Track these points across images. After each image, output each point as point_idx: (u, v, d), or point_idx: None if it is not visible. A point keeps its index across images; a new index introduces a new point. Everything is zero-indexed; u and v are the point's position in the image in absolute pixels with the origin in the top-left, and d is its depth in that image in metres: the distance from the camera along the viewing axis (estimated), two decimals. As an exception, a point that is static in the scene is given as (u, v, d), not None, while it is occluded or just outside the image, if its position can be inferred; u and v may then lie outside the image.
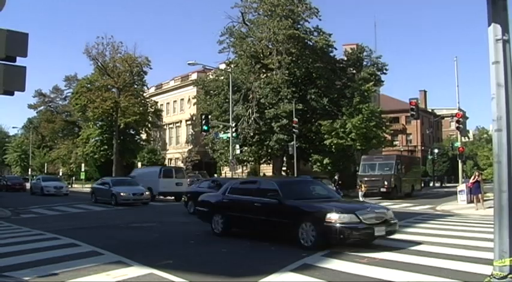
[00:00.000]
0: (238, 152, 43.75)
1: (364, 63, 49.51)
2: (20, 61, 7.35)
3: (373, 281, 8.17)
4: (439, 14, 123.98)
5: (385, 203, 24.56)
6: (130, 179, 33.52)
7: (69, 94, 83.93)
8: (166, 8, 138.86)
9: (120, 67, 60.30)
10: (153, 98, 72.45)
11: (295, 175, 39.56)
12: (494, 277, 5.80)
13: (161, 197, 34.66)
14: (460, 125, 32.35)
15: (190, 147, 68.12)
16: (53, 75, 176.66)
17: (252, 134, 44.03)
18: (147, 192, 30.32)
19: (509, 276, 5.64)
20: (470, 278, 8.08)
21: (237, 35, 47.29)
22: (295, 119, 39.96)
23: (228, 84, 41.06)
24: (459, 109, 32.50)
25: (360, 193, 31.68)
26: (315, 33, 47.21)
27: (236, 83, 43.97)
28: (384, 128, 47.15)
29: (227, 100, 42.35)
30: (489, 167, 67.92)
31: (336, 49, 48.49)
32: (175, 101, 76.90)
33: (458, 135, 36.84)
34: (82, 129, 74.57)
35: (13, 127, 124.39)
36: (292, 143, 40.57)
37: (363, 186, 32.08)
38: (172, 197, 34.03)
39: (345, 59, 50.15)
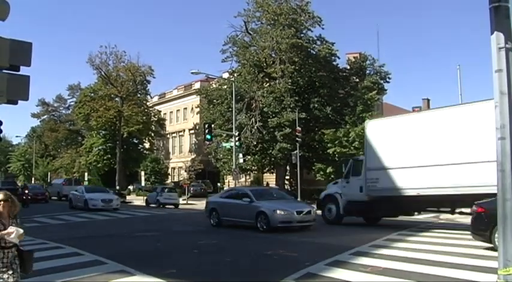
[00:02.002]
0: (241, 160, 43.69)
1: (367, 71, 49.49)
2: (23, 70, 7.37)
3: (377, 290, 8.13)
4: (442, 22, 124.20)
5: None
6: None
7: (72, 103, 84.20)
8: (169, 17, 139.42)
9: (124, 76, 60.46)
10: (156, 107, 72.55)
11: (299, 184, 39.56)
12: (498, 286, 5.77)
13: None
14: (464, 134, 32.22)
15: (193, 156, 68.07)
16: (56, 85, 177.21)
17: (255, 142, 43.99)
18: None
19: (514, 285, 5.61)
20: (475, 287, 8.05)
21: (240, 44, 47.38)
22: (298, 128, 39.92)
23: (231, 93, 41.08)
24: (462, 117, 32.35)
25: None
26: (318, 42, 47.25)
27: (239, 92, 44.00)
28: (387, 136, 46.93)
29: (230, 109, 42.34)
30: None
31: (339, 58, 48.52)
32: (178, 110, 76.95)
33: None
34: (85, 138, 74.71)
35: (16, 136, 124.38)
36: (295, 151, 40.51)
37: None
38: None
39: (348, 67, 50.14)
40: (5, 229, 5.46)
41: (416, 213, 21.57)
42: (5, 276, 5.56)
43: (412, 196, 18.31)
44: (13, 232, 5.41)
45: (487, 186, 13.15)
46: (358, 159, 22.84)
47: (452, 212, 18.75)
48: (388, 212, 20.62)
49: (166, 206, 37.82)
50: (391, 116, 24.86)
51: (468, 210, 15.34)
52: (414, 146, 18.29)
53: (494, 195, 11.38)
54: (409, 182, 17.79)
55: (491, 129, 8.33)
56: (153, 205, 38.12)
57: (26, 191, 39.37)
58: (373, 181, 19.87)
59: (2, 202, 5.59)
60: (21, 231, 5.52)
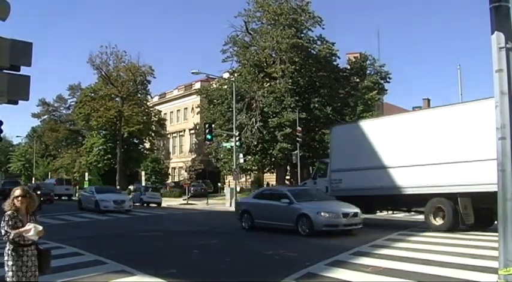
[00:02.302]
0: (241, 160, 43.69)
1: (368, 71, 49.52)
2: (24, 70, 7.38)
3: (377, 290, 8.13)
4: (442, 22, 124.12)
5: (390, 212, 24.48)
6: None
7: (72, 103, 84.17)
8: (169, 17, 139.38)
9: (124, 76, 60.46)
10: (157, 107, 72.57)
11: (299, 184, 39.59)
12: (499, 286, 5.77)
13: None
14: (464, 134, 32.22)
15: (193, 156, 68.06)
16: (56, 84, 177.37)
17: (255, 142, 43.99)
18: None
19: (515, 285, 5.60)
20: (475, 287, 8.04)
21: (240, 44, 47.39)
22: (298, 128, 39.92)
23: (232, 93, 41.08)
24: (463, 117, 32.38)
25: None
26: (318, 42, 47.25)
27: (240, 92, 44.00)
28: (387, 136, 46.97)
29: (231, 109, 42.35)
30: None
31: (339, 58, 48.53)
32: (178, 110, 76.96)
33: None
34: (86, 138, 74.69)
35: (17, 136, 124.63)
36: (295, 151, 40.52)
37: None
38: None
39: (349, 67, 50.14)
40: (23, 226, 5.35)
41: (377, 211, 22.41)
42: (29, 274, 5.46)
43: (370, 196, 19.61)
44: (32, 229, 5.29)
45: (439, 187, 16.39)
46: (324, 161, 24.68)
47: (409, 211, 21.09)
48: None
49: (150, 205, 39.10)
50: (351, 122, 29.42)
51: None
52: (370, 150, 19.69)
53: (444, 194, 13.77)
54: (367, 182, 18.93)
55: (443, 133, 11.49)
56: (137, 203, 38.32)
57: (39, 192, 34.77)
58: (337, 182, 21.31)
59: (20, 198, 5.46)
60: (40, 228, 5.38)
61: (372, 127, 21.18)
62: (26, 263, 5.44)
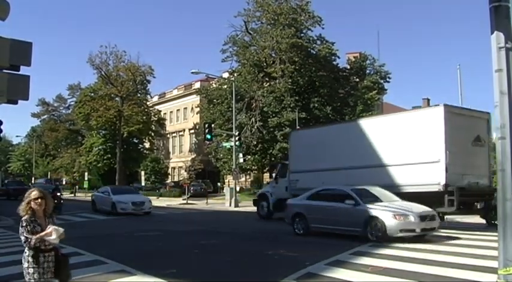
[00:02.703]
0: (241, 160, 43.70)
1: (367, 71, 49.56)
2: (23, 70, 7.38)
3: (377, 290, 8.12)
4: (442, 22, 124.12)
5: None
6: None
7: (72, 103, 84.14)
8: (169, 16, 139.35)
9: (124, 76, 60.43)
10: (157, 107, 72.56)
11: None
12: (499, 286, 5.77)
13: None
14: (464, 133, 32.27)
15: (193, 156, 68.07)
16: (56, 84, 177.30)
17: (255, 142, 44.01)
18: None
19: (514, 285, 5.61)
20: (475, 287, 8.04)
21: (240, 43, 47.41)
22: (298, 128, 39.93)
23: (232, 93, 41.09)
24: (462, 117, 32.42)
25: None
26: (318, 42, 47.28)
27: (239, 91, 44.02)
28: (387, 136, 47.03)
29: (230, 109, 42.36)
30: (493, 174, 67.69)
31: (339, 58, 48.58)
32: (178, 110, 76.97)
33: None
34: (85, 138, 74.72)
35: (17, 136, 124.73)
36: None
37: None
38: None
39: (348, 67, 50.18)
40: (42, 230, 5.12)
41: None
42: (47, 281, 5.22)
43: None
44: (53, 232, 5.10)
45: (427, 185, 17.10)
46: (285, 163, 25.92)
47: None
48: None
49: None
50: (306, 128, 32.80)
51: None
52: (322, 154, 21.79)
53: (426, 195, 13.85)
54: (317, 182, 19.63)
55: (384, 138, 16.45)
56: None
57: (59, 194, 30.86)
58: (294, 182, 23.26)
59: (39, 199, 5.21)
60: (62, 230, 5.21)
61: (322, 133, 23.90)
62: (47, 269, 5.27)
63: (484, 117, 19.04)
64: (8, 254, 12.22)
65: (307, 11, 45.88)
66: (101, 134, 67.22)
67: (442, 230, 16.37)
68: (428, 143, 17.26)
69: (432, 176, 16.86)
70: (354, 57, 51.14)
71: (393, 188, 17.19)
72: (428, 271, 9.41)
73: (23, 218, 5.15)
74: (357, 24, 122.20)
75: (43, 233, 5.06)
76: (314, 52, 46.73)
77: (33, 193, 5.27)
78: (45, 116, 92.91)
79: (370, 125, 20.65)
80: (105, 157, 65.46)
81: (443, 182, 16.57)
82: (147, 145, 70.11)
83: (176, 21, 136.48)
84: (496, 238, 5.98)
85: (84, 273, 9.43)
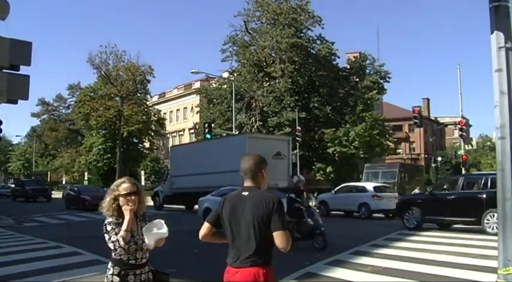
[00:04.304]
0: (241, 160, 43.68)
1: (367, 71, 49.52)
2: (23, 70, 7.38)
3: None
4: (442, 22, 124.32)
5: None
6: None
7: (72, 103, 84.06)
8: (168, 16, 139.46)
9: (123, 76, 60.38)
10: (156, 107, 72.53)
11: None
12: (498, 286, 5.77)
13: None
14: (464, 133, 32.32)
15: (193, 155, 67.96)
16: (56, 84, 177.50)
17: (255, 142, 44.02)
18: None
19: (514, 284, 5.61)
20: (475, 287, 8.04)
21: (240, 43, 47.43)
22: (298, 128, 39.93)
23: (231, 93, 41.11)
24: (462, 117, 32.48)
25: None
26: (318, 42, 47.30)
27: (239, 91, 44.03)
28: (387, 136, 47.12)
29: (230, 108, 42.38)
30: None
31: (338, 57, 48.62)
32: (178, 110, 76.97)
33: (462, 143, 36.82)
34: (85, 138, 74.65)
35: (16, 135, 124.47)
36: (295, 151, 40.51)
37: None
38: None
39: (348, 67, 50.17)
40: (133, 238, 3.92)
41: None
42: None
43: (186, 192, 29.40)
44: (150, 234, 4.02)
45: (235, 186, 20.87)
46: (169, 168, 35.75)
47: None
48: (182, 202, 31.83)
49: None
50: (179, 145, 47.79)
51: None
52: (187, 163, 30.29)
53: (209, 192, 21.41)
54: (184, 184, 29.48)
55: (213, 155, 27.18)
56: None
57: (86, 197, 30.93)
58: (172, 183, 32.03)
59: (132, 196, 3.94)
60: (164, 230, 4.17)
61: (189, 149, 35.53)
62: None
63: (285, 139, 29.92)
64: (8, 254, 12.21)
65: (307, 11, 45.90)
66: (100, 133, 67.16)
67: (442, 230, 16.37)
68: (238, 158, 22.03)
69: (237, 180, 20.94)
70: (354, 57, 51.13)
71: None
72: (428, 271, 9.41)
73: (108, 220, 3.91)
74: (357, 24, 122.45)
75: (124, 226, 3.82)
76: (314, 52, 46.74)
77: (123, 185, 3.98)
78: (45, 116, 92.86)
79: (214, 144, 31.63)
80: (105, 157, 65.40)
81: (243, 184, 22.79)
82: (147, 145, 70.09)
83: (176, 21, 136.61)
84: (495, 238, 5.98)
85: (84, 273, 9.43)
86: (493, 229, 14.23)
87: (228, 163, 25.18)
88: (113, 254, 3.86)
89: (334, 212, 26.71)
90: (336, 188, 28.82)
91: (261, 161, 3.90)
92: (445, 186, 19.21)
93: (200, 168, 28.31)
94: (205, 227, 4.06)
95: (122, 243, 3.76)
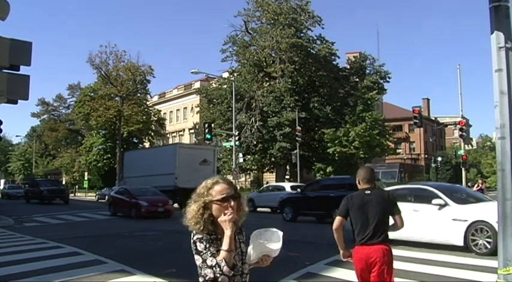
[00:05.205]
0: (241, 160, 43.73)
1: (367, 71, 49.55)
2: (23, 70, 7.37)
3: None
4: (442, 22, 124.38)
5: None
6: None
7: (72, 103, 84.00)
8: (169, 16, 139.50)
9: (124, 76, 60.37)
10: (156, 107, 72.60)
11: (298, 183, 39.61)
12: (498, 286, 5.77)
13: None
14: (463, 133, 32.34)
15: (193, 155, 67.99)
16: (56, 84, 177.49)
17: (255, 142, 44.03)
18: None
19: (514, 284, 5.61)
20: (475, 287, 8.03)
21: (240, 43, 47.43)
22: (298, 127, 39.94)
23: (231, 93, 41.11)
24: (462, 117, 32.51)
25: None
26: (318, 42, 47.31)
27: (239, 91, 44.03)
28: (387, 136, 47.15)
29: (230, 108, 42.39)
30: (493, 174, 67.75)
31: (338, 57, 48.64)
32: (178, 110, 76.99)
33: (462, 143, 36.87)
34: (85, 138, 74.64)
35: (16, 136, 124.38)
36: (295, 151, 40.54)
37: None
38: None
39: (348, 67, 50.19)
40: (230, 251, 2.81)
41: None
42: None
43: None
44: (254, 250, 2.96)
45: (165, 186, 30.24)
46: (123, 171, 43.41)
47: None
48: None
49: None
50: (134, 150, 52.48)
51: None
52: (137, 166, 36.31)
53: (168, 191, 28.83)
54: (136, 184, 31.55)
55: (154, 160, 34.47)
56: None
57: (142, 202, 25.47)
58: (125, 183, 36.22)
59: (231, 201, 2.87)
60: (277, 246, 2.97)
61: (139, 154, 42.15)
62: None
63: (211, 149, 36.95)
64: (8, 254, 12.22)
65: (307, 11, 45.91)
66: (100, 133, 67.20)
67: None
68: (171, 163, 32.20)
69: (170, 181, 31.28)
70: (354, 57, 51.15)
71: (164, 186, 30.09)
72: (428, 271, 9.41)
73: (197, 236, 2.92)
74: (357, 24, 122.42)
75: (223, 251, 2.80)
76: (314, 52, 46.75)
77: (217, 188, 2.94)
78: (45, 116, 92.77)
79: (154, 151, 41.10)
80: (105, 157, 65.45)
81: (174, 184, 30.87)
82: (147, 145, 70.02)
83: (176, 21, 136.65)
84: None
85: (84, 273, 9.44)
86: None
87: (163, 167, 32.53)
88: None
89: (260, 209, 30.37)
90: (261, 188, 35.19)
91: (373, 171, 5.40)
92: (313, 188, 23.80)
93: (144, 171, 33.92)
94: (338, 219, 5.15)
95: (225, 269, 2.78)
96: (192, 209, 2.96)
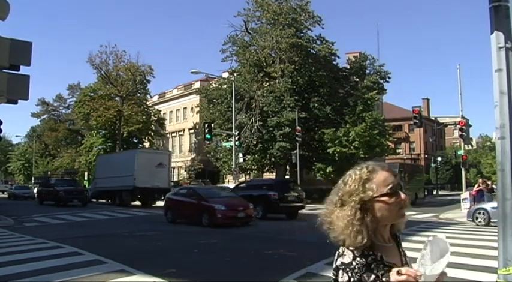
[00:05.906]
0: (241, 160, 43.69)
1: (367, 71, 49.46)
2: (23, 70, 7.37)
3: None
4: (442, 22, 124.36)
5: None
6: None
7: (72, 103, 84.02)
8: (169, 16, 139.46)
9: (123, 76, 60.40)
10: (156, 107, 72.57)
11: (299, 184, 39.55)
12: (498, 286, 5.77)
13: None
14: (463, 133, 32.33)
15: (193, 155, 68.05)
16: (56, 84, 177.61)
17: (255, 142, 43.99)
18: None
19: (514, 284, 5.61)
20: (475, 287, 8.03)
21: (240, 43, 47.38)
22: (298, 127, 39.92)
23: (231, 93, 41.07)
24: (462, 117, 32.50)
25: None
26: (318, 42, 47.24)
27: (239, 91, 43.99)
28: (387, 136, 47.08)
29: (230, 108, 42.34)
30: (493, 174, 67.76)
31: (338, 57, 48.53)
32: (178, 110, 76.96)
33: (462, 143, 36.86)
34: (85, 138, 74.64)
35: (16, 136, 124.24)
36: (295, 151, 40.52)
37: None
38: None
39: (348, 67, 50.11)
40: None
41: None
42: None
43: (106, 190, 39.60)
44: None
45: (126, 185, 35.72)
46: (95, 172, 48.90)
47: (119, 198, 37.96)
48: (105, 198, 40.93)
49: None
50: (106, 154, 55.36)
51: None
52: (106, 168, 40.41)
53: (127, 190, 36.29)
54: (103, 184, 39.14)
55: (117, 163, 39.19)
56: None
57: (218, 206, 20.61)
58: (96, 183, 43.20)
59: (402, 198, 2.07)
60: (445, 259, 2.23)
61: (110, 157, 45.94)
62: None
63: (166, 153, 44.16)
64: (8, 253, 12.22)
65: (307, 11, 45.84)
66: (100, 133, 67.15)
67: (442, 230, 16.38)
68: (131, 166, 35.85)
69: (130, 181, 35.23)
70: (354, 57, 51.07)
71: (124, 185, 35.79)
72: (428, 271, 9.39)
73: (350, 257, 2.02)
74: (356, 24, 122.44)
75: (402, 278, 1.99)
76: (314, 52, 46.68)
77: (379, 176, 2.04)
78: (45, 116, 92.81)
79: (119, 155, 46.43)
80: (105, 157, 65.36)
81: (133, 184, 35.21)
82: (147, 145, 70.03)
83: (176, 21, 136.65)
84: (495, 237, 5.98)
85: (84, 273, 9.44)
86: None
87: (124, 169, 36.02)
88: None
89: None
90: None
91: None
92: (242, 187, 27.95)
93: (111, 173, 38.28)
94: None
95: None
96: (345, 214, 2.00)
